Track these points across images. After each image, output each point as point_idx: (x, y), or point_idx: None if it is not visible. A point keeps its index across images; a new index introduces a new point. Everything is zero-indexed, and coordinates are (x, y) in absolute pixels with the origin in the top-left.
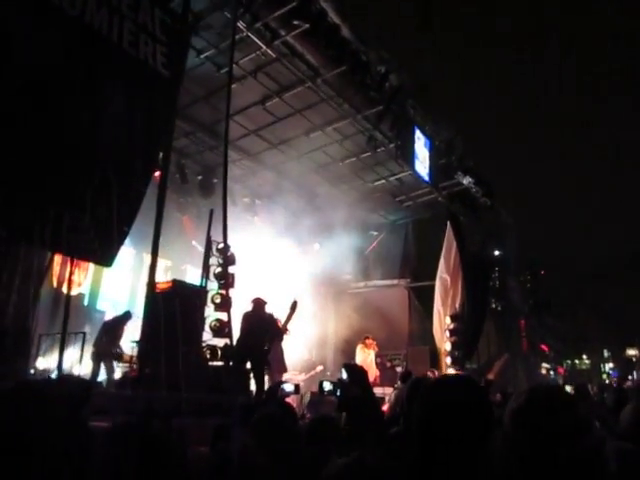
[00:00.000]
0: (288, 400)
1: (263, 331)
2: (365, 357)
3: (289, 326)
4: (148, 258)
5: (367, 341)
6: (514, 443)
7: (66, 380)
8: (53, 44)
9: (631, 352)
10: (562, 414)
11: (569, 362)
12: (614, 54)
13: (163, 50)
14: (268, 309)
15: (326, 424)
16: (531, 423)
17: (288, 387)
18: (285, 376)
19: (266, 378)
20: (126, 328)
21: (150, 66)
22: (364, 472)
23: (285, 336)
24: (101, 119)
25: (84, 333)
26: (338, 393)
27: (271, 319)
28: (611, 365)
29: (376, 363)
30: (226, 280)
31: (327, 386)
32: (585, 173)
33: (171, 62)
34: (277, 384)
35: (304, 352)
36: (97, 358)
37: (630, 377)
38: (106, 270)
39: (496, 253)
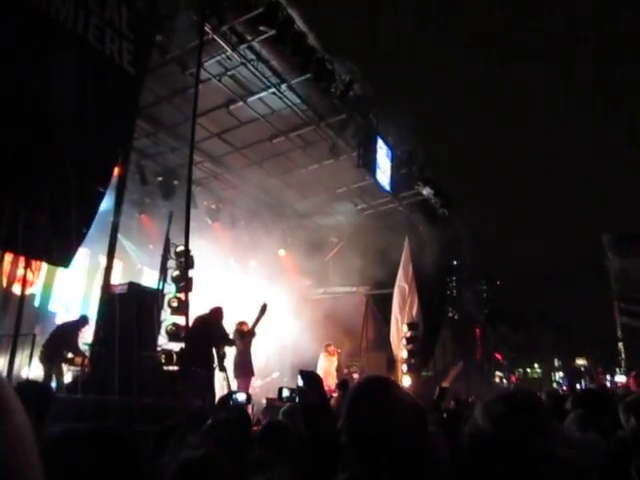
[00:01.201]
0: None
1: (210, 337)
2: (328, 365)
3: (257, 329)
4: (104, 259)
5: (329, 348)
6: (482, 436)
7: (26, 386)
8: (13, 33)
9: (580, 362)
10: (532, 414)
11: (521, 370)
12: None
13: (129, 47)
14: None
15: (279, 429)
16: (503, 420)
17: (240, 396)
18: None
19: (234, 383)
20: (81, 333)
21: (116, 62)
22: None
23: (252, 339)
24: (62, 115)
25: (34, 335)
26: (296, 400)
27: (219, 326)
28: (561, 374)
29: (336, 370)
30: (185, 284)
31: (286, 392)
32: (539, 187)
33: (137, 60)
34: (228, 393)
35: (261, 358)
36: (47, 361)
37: (578, 386)
38: (59, 270)
39: (454, 263)
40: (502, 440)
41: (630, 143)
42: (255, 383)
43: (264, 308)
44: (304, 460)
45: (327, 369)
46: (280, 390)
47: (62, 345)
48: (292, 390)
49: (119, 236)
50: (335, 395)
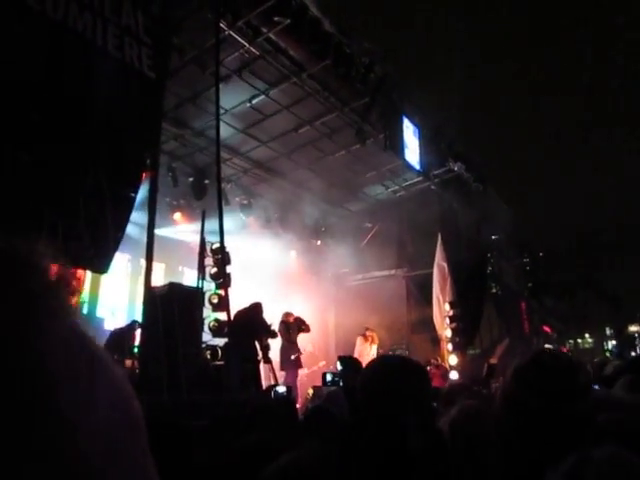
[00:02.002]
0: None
1: (253, 330)
2: (363, 349)
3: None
4: (144, 263)
5: (367, 333)
6: (515, 400)
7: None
8: (38, 49)
9: (633, 328)
10: (563, 376)
11: (572, 342)
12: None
13: (148, 52)
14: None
15: (320, 414)
16: (533, 382)
17: (280, 389)
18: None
19: (281, 375)
20: (133, 337)
21: (136, 69)
22: (298, 474)
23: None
24: (89, 124)
25: None
26: (340, 384)
27: (259, 318)
28: (614, 342)
29: (378, 354)
30: (223, 280)
31: (329, 377)
32: (577, 150)
33: (157, 64)
34: (269, 387)
35: (308, 347)
36: None
37: (633, 353)
38: (104, 277)
39: (492, 237)
40: (529, 402)
41: None
42: (302, 373)
43: (307, 327)
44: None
45: (362, 353)
46: (324, 375)
47: (115, 350)
48: (335, 374)
49: (158, 238)
50: None
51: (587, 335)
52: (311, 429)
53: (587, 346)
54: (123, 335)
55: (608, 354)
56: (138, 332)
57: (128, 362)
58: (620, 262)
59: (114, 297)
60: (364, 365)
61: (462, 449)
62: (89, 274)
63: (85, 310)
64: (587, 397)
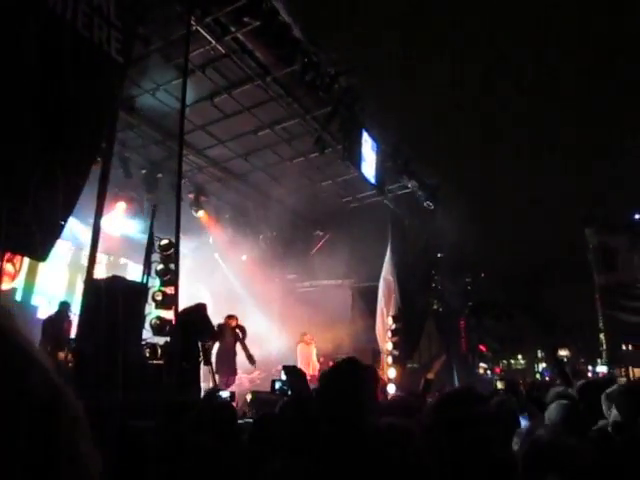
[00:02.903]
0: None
1: (196, 331)
2: (307, 353)
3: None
4: (87, 253)
5: (306, 337)
6: (433, 432)
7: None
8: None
9: (563, 352)
10: (466, 407)
11: (505, 362)
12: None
13: (117, 36)
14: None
15: (271, 423)
16: (442, 414)
17: (224, 394)
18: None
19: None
20: (67, 325)
21: (104, 50)
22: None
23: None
24: (48, 102)
25: None
26: (288, 392)
27: (205, 319)
28: (544, 365)
29: (319, 361)
30: (171, 277)
31: (278, 385)
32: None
33: (124, 49)
34: (213, 390)
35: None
36: None
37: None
38: (42, 264)
39: (438, 255)
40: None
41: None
42: (243, 378)
43: (243, 332)
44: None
45: (307, 357)
46: (273, 383)
47: (49, 341)
48: (283, 382)
49: (103, 229)
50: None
51: (520, 356)
52: (260, 437)
53: (519, 367)
54: (55, 323)
55: (538, 375)
56: (73, 321)
57: (61, 354)
58: (554, 290)
59: (52, 285)
60: (314, 371)
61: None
62: (26, 260)
63: (19, 297)
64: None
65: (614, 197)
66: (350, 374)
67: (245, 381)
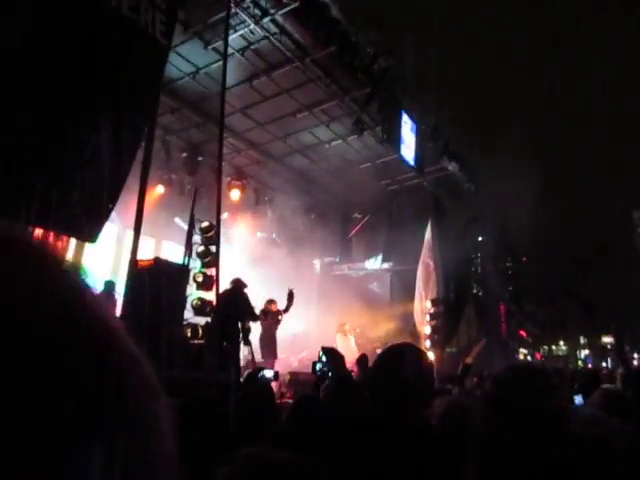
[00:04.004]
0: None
1: (237, 311)
2: (346, 344)
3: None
4: (131, 234)
5: (344, 328)
6: (497, 401)
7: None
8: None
9: (606, 340)
10: (536, 377)
11: (546, 348)
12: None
13: (162, 18)
14: (249, 292)
15: (310, 403)
16: (512, 384)
17: (268, 373)
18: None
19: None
20: (116, 301)
21: (149, 33)
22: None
23: (279, 321)
24: (95, 89)
25: None
26: (329, 373)
27: (245, 300)
28: (587, 352)
29: (357, 345)
30: (211, 259)
31: (319, 366)
32: (566, 161)
33: (168, 31)
34: (257, 369)
35: (289, 336)
36: None
37: (605, 364)
38: (87, 247)
39: (479, 239)
40: (506, 400)
41: None
42: (291, 359)
43: (291, 296)
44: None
45: (345, 348)
46: (314, 364)
47: None
48: (323, 364)
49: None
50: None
51: (561, 342)
52: (298, 419)
53: (561, 353)
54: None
55: (580, 362)
56: (117, 299)
57: None
58: (598, 276)
59: (98, 267)
60: (349, 361)
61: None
62: (72, 244)
63: None
64: (557, 395)
65: None
66: (413, 361)
67: (294, 361)
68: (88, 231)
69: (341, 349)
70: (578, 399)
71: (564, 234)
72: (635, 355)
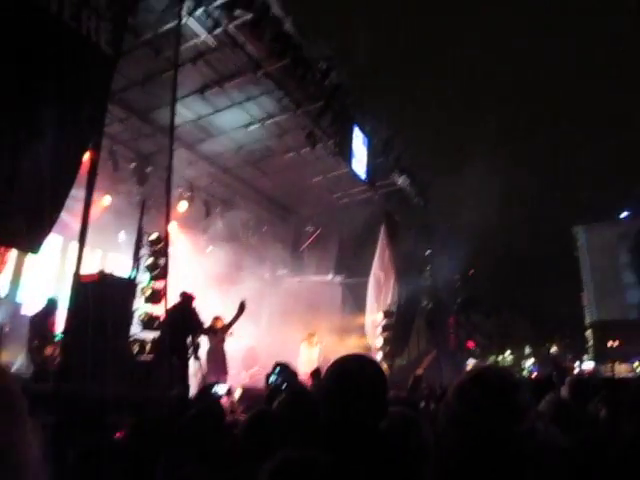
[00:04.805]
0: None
1: (186, 326)
2: (309, 354)
3: (234, 327)
4: (76, 246)
5: (312, 339)
6: (457, 417)
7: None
8: None
9: (553, 349)
10: (505, 397)
11: (493, 358)
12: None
13: (107, 26)
14: (198, 304)
15: (265, 417)
16: (474, 400)
17: (221, 389)
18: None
19: (200, 376)
20: (53, 321)
21: (92, 42)
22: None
23: (228, 336)
24: (35, 95)
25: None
26: (283, 387)
27: (194, 314)
28: (531, 361)
29: (321, 357)
30: (161, 271)
31: (273, 378)
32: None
33: (114, 40)
34: (209, 385)
35: (239, 350)
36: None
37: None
38: (29, 259)
39: (428, 251)
40: (476, 423)
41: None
42: (242, 375)
43: (242, 306)
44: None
45: (307, 359)
46: (268, 377)
47: (35, 337)
48: (278, 376)
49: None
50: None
51: (508, 352)
52: (255, 434)
53: (507, 363)
54: (42, 319)
55: (525, 372)
56: (58, 317)
57: (49, 349)
58: (543, 284)
59: (39, 281)
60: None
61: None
62: (12, 255)
63: (4, 293)
64: (527, 417)
65: (599, 197)
66: (368, 374)
67: (245, 377)
68: (29, 242)
69: (304, 359)
70: None
71: (510, 247)
72: (576, 364)
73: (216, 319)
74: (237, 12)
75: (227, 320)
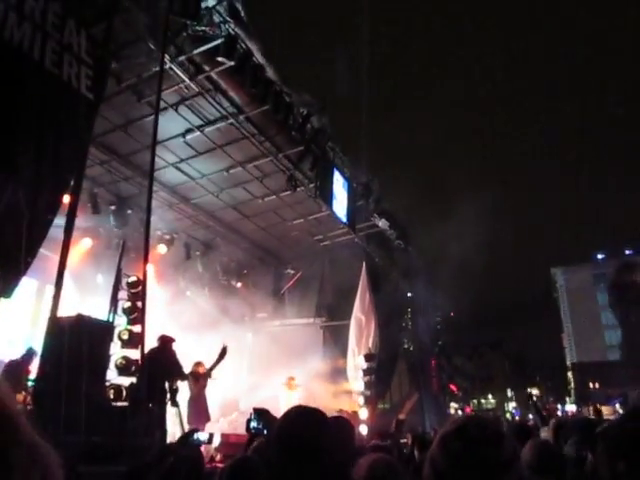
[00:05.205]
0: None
1: (164, 371)
2: (289, 398)
3: (214, 372)
4: (51, 290)
5: (292, 382)
6: (442, 471)
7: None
8: None
9: (533, 391)
10: (490, 449)
11: (476, 401)
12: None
13: (88, 72)
14: (177, 347)
15: (247, 465)
16: (460, 454)
17: (202, 436)
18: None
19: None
20: (29, 367)
21: (73, 87)
22: None
23: (209, 381)
24: (14, 138)
25: None
26: (264, 432)
27: (174, 357)
28: (514, 404)
29: (301, 401)
30: (138, 315)
31: (253, 424)
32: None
33: (95, 85)
34: (190, 432)
35: (219, 396)
36: None
37: (531, 416)
38: (2, 303)
39: (409, 294)
40: (455, 475)
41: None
42: (220, 422)
43: (224, 351)
44: None
45: (287, 403)
46: (249, 422)
47: (7, 381)
48: (258, 421)
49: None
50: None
51: (490, 395)
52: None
53: (490, 406)
54: (19, 366)
55: (508, 415)
56: (35, 363)
57: (20, 396)
58: (524, 326)
59: (14, 325)
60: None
61: None
62: None
63: None
64: (513, 468)
65: (576, 240)
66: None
67: (224, 424)
68: (3, 286)
69: (283, 403)
70: None
71: (490, 291)
72: (558, 406)
73: (198, 364)
74: (219, 59)
75: (208, 365)
